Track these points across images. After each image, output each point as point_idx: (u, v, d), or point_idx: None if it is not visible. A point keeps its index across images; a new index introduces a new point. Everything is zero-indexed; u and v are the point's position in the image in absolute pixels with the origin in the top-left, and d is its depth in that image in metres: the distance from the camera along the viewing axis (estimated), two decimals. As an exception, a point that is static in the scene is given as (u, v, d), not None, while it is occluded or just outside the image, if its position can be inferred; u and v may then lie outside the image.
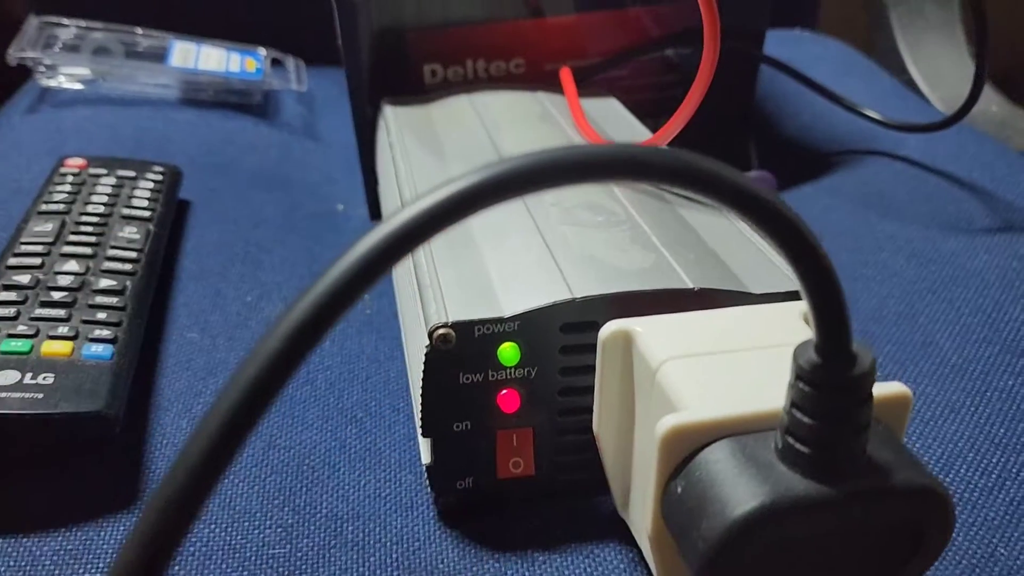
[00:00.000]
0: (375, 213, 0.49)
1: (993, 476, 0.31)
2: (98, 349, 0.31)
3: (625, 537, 0.28)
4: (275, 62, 0.65)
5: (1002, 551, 0.29)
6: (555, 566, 0.28)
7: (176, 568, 0.27)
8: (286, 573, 0.27)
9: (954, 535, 0.29)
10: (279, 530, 0.29)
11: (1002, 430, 0.33)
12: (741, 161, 0.55)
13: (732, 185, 0.17)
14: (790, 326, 0.26)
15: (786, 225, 0.18)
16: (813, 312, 0.19)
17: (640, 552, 0.28)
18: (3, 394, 0.28)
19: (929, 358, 0.37)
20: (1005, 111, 0.68)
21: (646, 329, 0.25)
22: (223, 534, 0.28)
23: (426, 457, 0.28)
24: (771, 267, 0.29)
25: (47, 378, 0.29)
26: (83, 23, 0.61)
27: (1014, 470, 0.31)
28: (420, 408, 0.27)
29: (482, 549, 0.28)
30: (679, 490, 0.21)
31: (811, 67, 0.56)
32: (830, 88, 0.55)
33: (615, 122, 0.44)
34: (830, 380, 0.19)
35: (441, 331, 0.26)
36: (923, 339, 0.38)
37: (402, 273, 0.34)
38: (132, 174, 0.44)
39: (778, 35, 0.73)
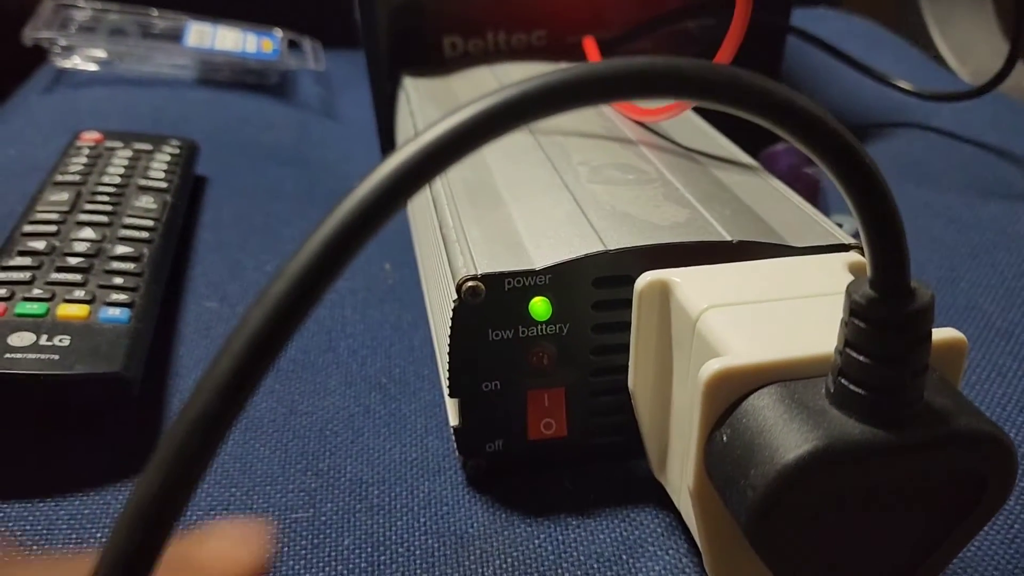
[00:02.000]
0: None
1: (1044, 440, 0.30)
2: (115, 313, 0.30)
3: (662, 501, 0.27)
4: (292, 44, 0.64)
5: (1057, 515, 0.27)
6: (588, 530, 0.27)
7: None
8: (310, 536, 0.26)
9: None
10: (302, 494, 0.28)
11: (1052, 394, 0.32)
12: (766, 134, 0.54)
13: (777, 97, 0.16)
14: (836, 276, 0.25)
15: (841, 146, 0.16)
16: (868, 242, 0.17)
17: (677, 516, 0.27)
18: (18, 355, 0.27)
19: (973, 322, 0.35)
20: (1038, 85, 0.66)
21: (685, 279, 0.24)
22: (244, 497, 0.27)
23: (454, 419, 0.27)
24: (812, 223, 0.28)
25: (63, 340, 0.28)
26: (99, 4, 0.61)
27: (1067, 433, 0.30)
28: (447, 367, 0.26)
29: (512, 513, 0.27)
30: (724, 439, 0.20)
31: (838, 43, 0.55)
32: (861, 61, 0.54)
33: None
34: (888, 315, 0.18)
35: (470, 283, 0.25)
36: (966, 303, 0.36)
37: (426, 234, 0.33)
38: (149, 147, 0.43)
39: (803, 13, 0.72)
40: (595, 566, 0.26)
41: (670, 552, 0.26)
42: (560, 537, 0.26)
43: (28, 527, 0.26)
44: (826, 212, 0.41)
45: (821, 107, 0.16)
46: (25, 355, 0.27)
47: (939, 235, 0.41)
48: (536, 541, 0.26)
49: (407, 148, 0.14)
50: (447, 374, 0.26)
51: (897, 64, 0.62)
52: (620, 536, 0.26)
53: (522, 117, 0.14)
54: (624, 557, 0.26)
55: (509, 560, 0.26)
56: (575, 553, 0.26)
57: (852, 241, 0.27)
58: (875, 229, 0.17)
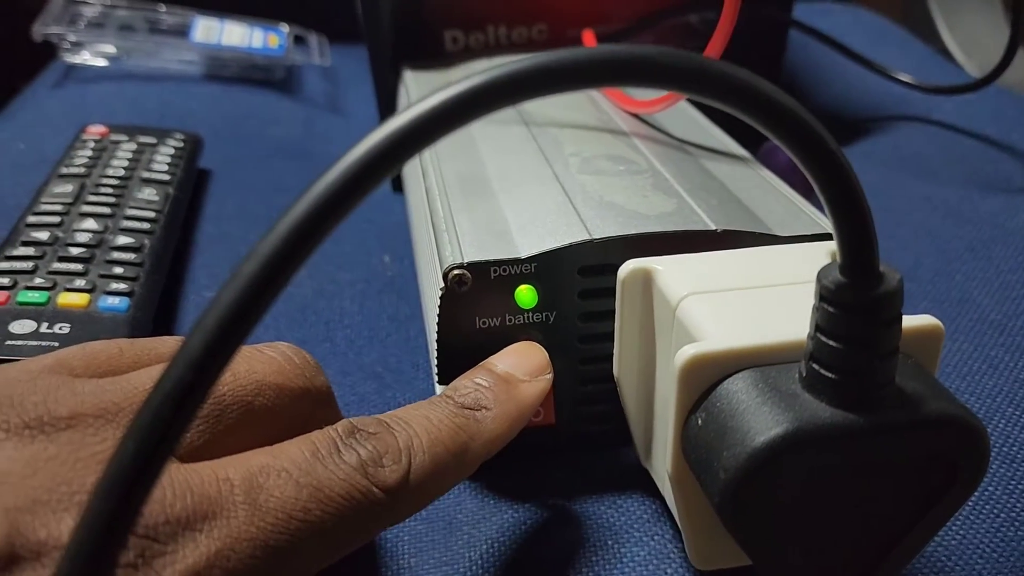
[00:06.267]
0: (396, 182, 0.49)
1: (1033, 430, 0.30)
2: (114, 302, 0.31)
3: (648, 488, 0.27)
4: (298, 39, 0.65)
5: (1042, 504, 0.27)
6: (576, 516, 0.27)
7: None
8: (301, 521, 0.27)
9: (992, 489, 0.28)
10: (294, 480, 0.28)
11: (1042, 385, 0.32)
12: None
13: (745, 86, 0.16)
14: (817, 264, 0.25)
15: (803, 130, 0.17)
16: (836, 228, 0.18)
17: (664, 503, 0.27)
18: (19, 342, 0.28)
19: (967, 315, 0.35)
20: (1045, 78, 0.66)
21: (666, 266, 0.24)
22: (238, 483, 0.28)
23: (443, 406, 0.28)
24: (798, 212, 0.29)
25: (63, 328, 0.29)
26: (107, 0, 0.61)
27: (1055, 423, 0.30)
28: (436, 354, 0.27)
29: (501, 500, 0.28)
30: (699, 423, 0.21)
31: (843, 36, 0.55)
32: (862, 55, 0.54)
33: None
34: (855, 300, 0.18)
35: (456, 272, 0.25)
36: (960, 296, 0.37)
37: (420, 226, 0.33)
38: (153, 141, 0.44)
39: (810, 7, 0.72)
40: (581, 551, 0.26)
41: (655, 538, 0.26)
42: (547, 523, 0.27)
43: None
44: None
45: (787, 95, 0.17)
46: (26, 342, 0.28)
47: (936, 228, 0.41)
48: (524, 527, 0.27)
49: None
50: (436, 362, 0.27)
51: (903, 58, 0.62)
52: (607, 522, 0.27)
53: (461, 118, 0.15)
54: (610, 543, 0.26)
55: (496, 545, 0.26)
56: (562, 538, 0.26)
57: (837, 230, 0.27)
58: (841, 214, 0.18)
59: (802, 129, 0.17)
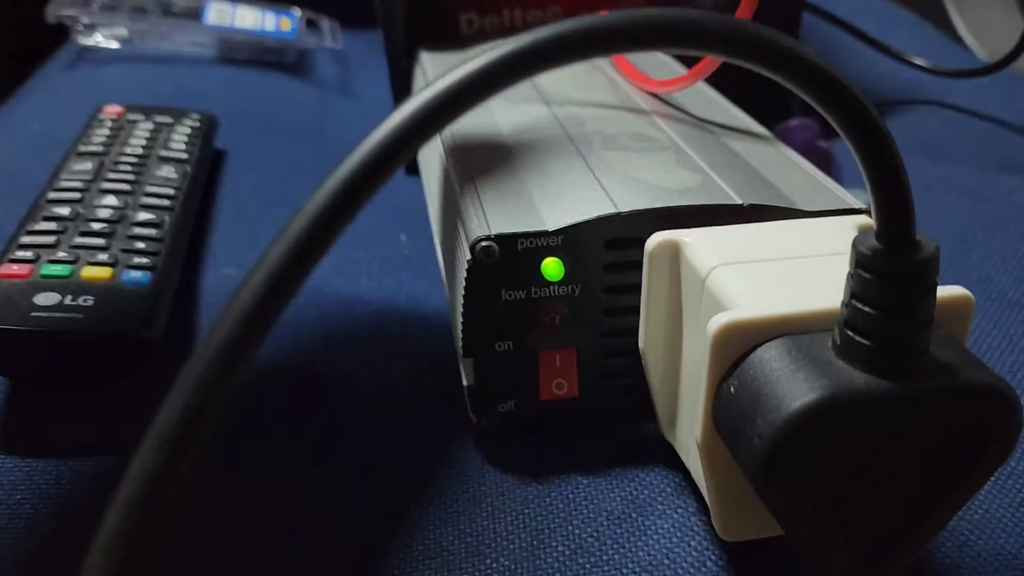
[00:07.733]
0: (411, 166, 0.49)
1: (1054, 407, 0.30)
2: (137, 275, 0.31)
3: (671, 461, 0.27)
4: (310, 23, 0.65)
5: (1065, 479, 0.27)
6: (599, 489, 0.27)
7: (208, 491, 0.27)
8: (325, 493, 0.27)
9: (1015, 464, 0.28)
10: (319, 453, 0.28)
11: (1062, 362, 0.32)
12: (781, 110, 0.54)
13: (785, 50, 0.16)
14: (846, 236, 0.25)
15: (842, 92, 0.17)
16: (873, 193, 0.18)
17: (686, 477, 0.27)
18: (43, 314, 0.28)
19: (986, 293, 0.35)
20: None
21: (695, 238, 0.24)
22: (260, 456, 0.28)
23: (467, 378, 0.28)
24: (823, 189, 0.29)
25: (87, 300, 0.29)
26: (120, -18, 0.61)
27: (1076, 400, 0.30)
28: (461, 327, 0.27)
29: (524, 472, 0.28)
30: (731, 391, 0.21)
31: (854, 21, 0.55)
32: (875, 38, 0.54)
33: (659, 66, 0.43)
34: (893, 266, 0.18)
35: (484, 244, 0.25)
36: (978, 275, 0.37)
37: (441, 201, 0.33)
38: (169, 120, 0.44)
39: (820, -7, 0.71)
40: (604, 523, 0.26)
41: (679, 510, 0.26)
42: (571, 495, 0.27)
43: (52, 481, 0.27)
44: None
45: (827, 60, 0.17)
46: (51, 314, 0.28)
47: (952, 209, 0.41)
48: (547, 499, 0.27)
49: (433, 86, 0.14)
50: (461, 334, 0.27)
51: (915, 43, 0.62)
52: (630, 495, 0.27)
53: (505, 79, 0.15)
54: (633, 515, 0.26)
55: (520, 517, 0.26)
56: (585, 511, 0.26)
57: (863, 206, 0.27)
58: (880, 178, 0.18)
59: (840, 91, 0.17)
